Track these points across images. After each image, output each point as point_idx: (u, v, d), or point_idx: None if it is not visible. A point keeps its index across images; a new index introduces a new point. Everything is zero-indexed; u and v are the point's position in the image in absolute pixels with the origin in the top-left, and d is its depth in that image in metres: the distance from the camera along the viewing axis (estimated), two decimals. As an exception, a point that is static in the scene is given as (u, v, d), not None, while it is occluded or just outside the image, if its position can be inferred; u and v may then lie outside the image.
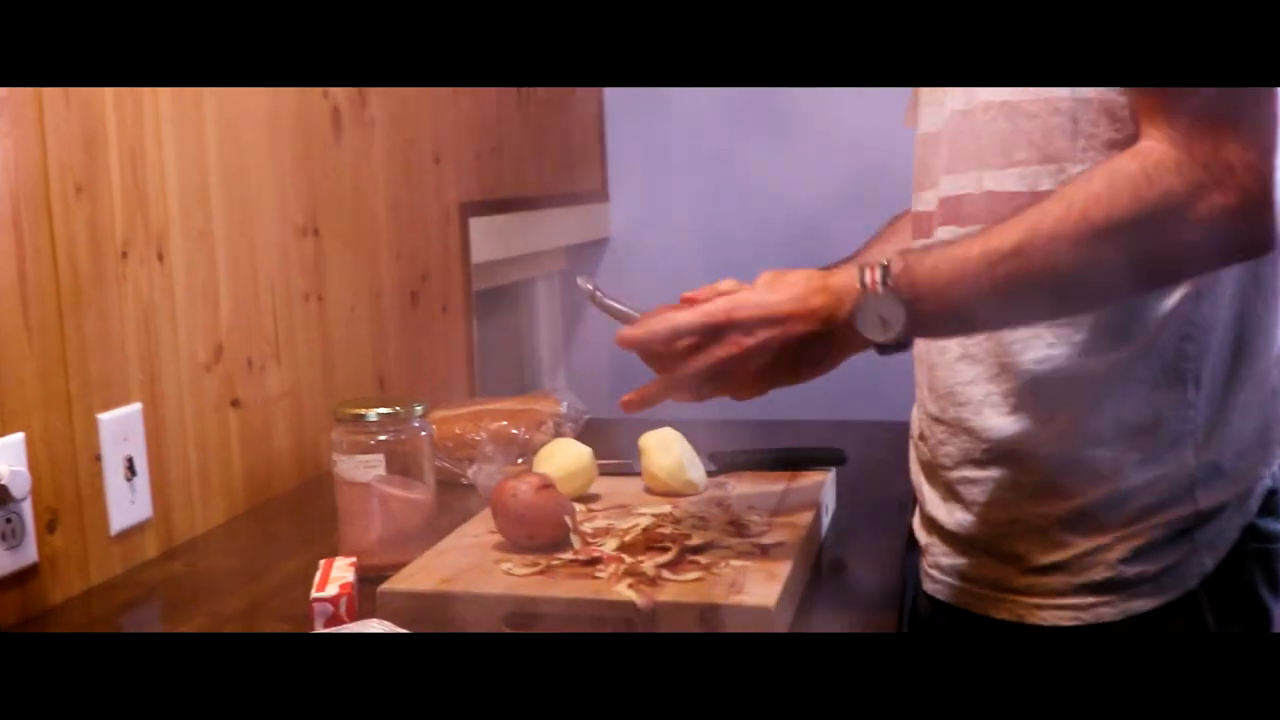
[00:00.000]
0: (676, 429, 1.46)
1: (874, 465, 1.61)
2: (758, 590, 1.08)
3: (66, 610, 1.25)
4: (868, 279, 1.03)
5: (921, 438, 1.25)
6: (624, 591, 1.09)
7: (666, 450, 1.41)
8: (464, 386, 2.32)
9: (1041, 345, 1.12)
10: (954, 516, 1.20)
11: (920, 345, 1.23)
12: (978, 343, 1.16)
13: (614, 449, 1.56)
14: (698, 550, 1.18)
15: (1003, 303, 1.02)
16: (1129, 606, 1.11)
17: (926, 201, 1.24)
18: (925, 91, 1.24)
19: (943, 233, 1.18)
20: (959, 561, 1.20)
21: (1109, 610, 1.11)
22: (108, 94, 1.34)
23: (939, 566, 1.23)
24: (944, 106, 1.20)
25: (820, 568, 1.28)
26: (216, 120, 1.53)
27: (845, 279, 1.06)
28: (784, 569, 1.13)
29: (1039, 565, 1.14)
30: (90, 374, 1.31)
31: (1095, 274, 0.99)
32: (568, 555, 1.19)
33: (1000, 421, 1.15)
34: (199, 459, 1.50)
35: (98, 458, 1.32)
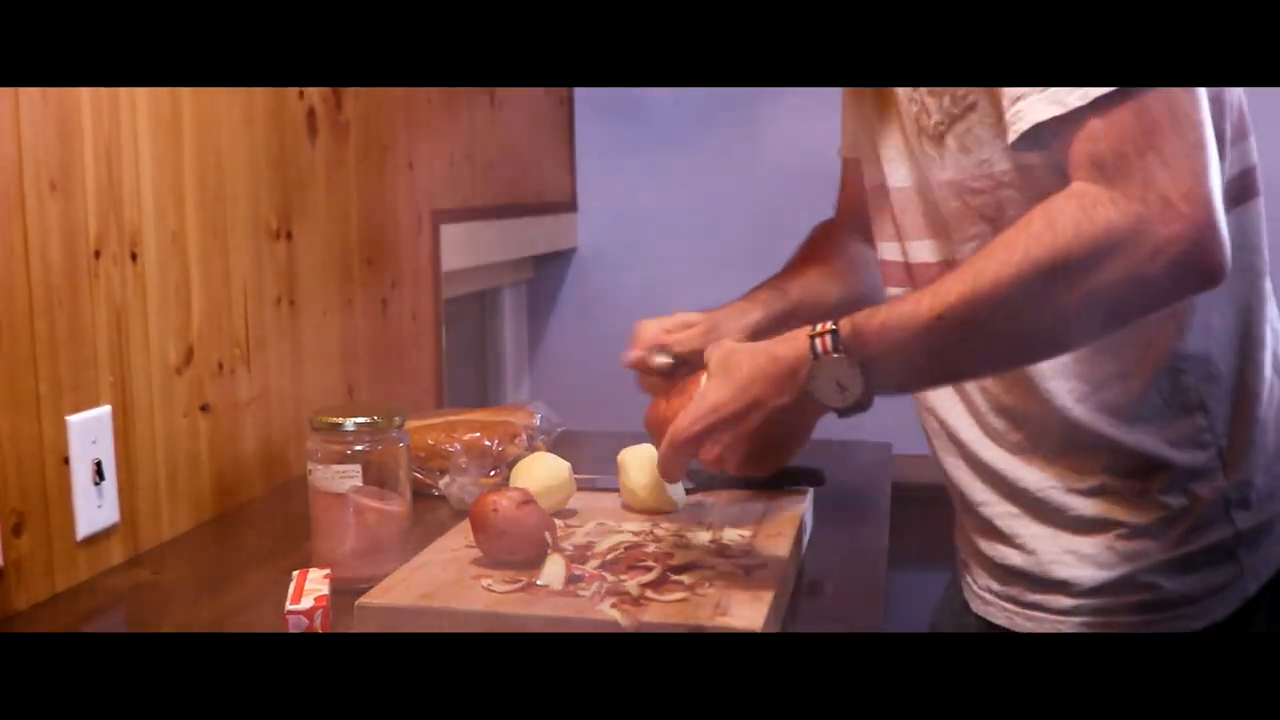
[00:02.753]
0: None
1: (850, 486, 1.60)
2: (743, 613, 1.07)
3: (31, 616, 1.22)
4: (819, 346, 1.01)
5: (960, 480, 1.27)
6: (608, 611, 1.07)
7: (646, 467, 1.39)
8: (432, 396, 2.30)
9: (1060, 391, 1.15)
10: (997, 549, 1.23)
11: (945, 403, 1.25)
12: (997, 395, 1.19)
13: (586, 463, 1.54)
14: (681, 570, 1.17)
15: (957, 355, 1.01)
16: (1176, 626, 1.14)
17: (891, 252, 1.28)
18: (888, 145, 1.24)
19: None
20: (1008, 589, 1.23)
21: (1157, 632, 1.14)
22: (84, 90, 1.31)
23: (990, 590, 1.26)
24: (902, 170, 1.22)
25: (800, 590, 1.27)
26: (192, 119, 1.50)
27: (794, 349, 1.03)
28: (768, 591, 1.12)
29: (1086, 588, 1.16)
30: (60, 374, 1.28)
31: (1046, 315, 0.97)
32: (548, 572, 1.17)
33: (1021, 466, 1.19)
34: (167, 464, 1.47)
35: (66, 460, 1.29)
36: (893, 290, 1.28)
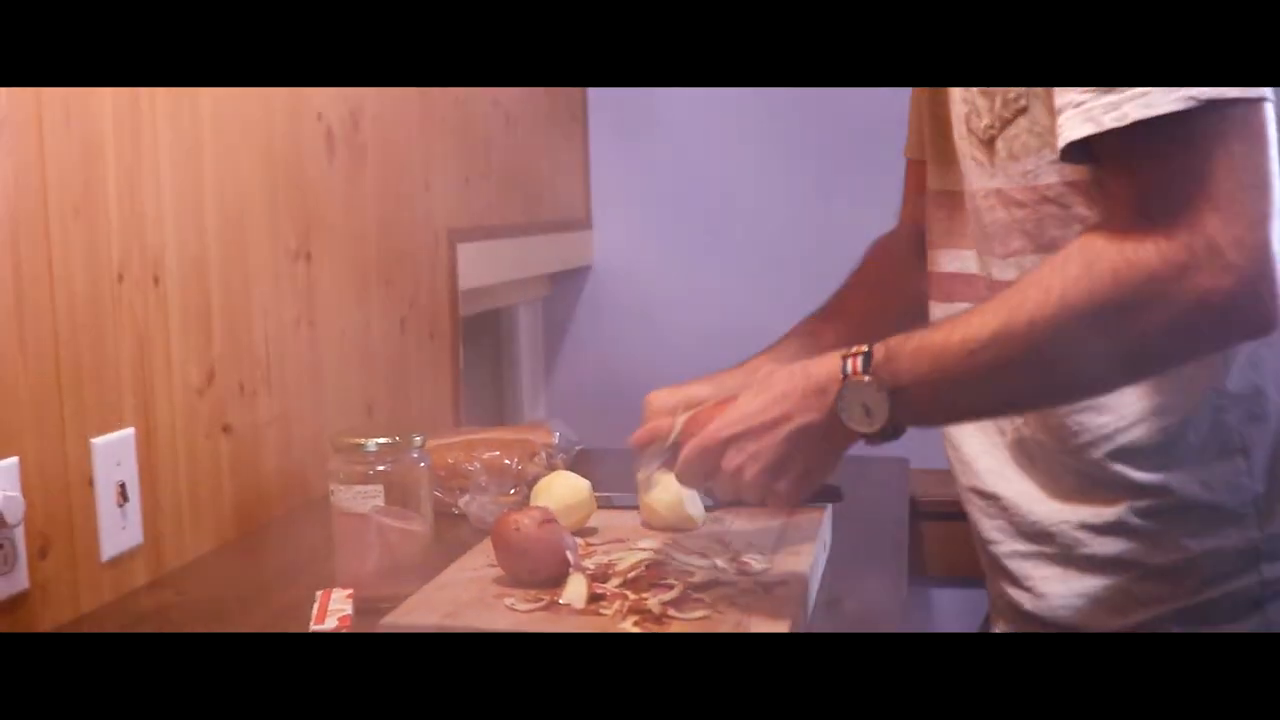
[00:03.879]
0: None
1: (869, 503, 1.60)
2: (764, 629, 1.08)
3: (57, 638, 1.23)
4: (849, 367, 0.99)
5: (973, 516, 1.23)
6: (630, 629, 1.08)
7: (666, 485, 1.40)
8: (450, 414, 2.31)
9: (1091, 425, 1.08)
10: (1008, 591, 1.18)
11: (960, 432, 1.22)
12: (1017, 427, 1.14)
13: (606, 481, 1.55)
14: (702, 588, 1.17)
15: (985, 391, 0.99)
16: None
17: (940, 263, 1.23)
18: (943, 149, 1.20)
19: (937, 311, 1.19)
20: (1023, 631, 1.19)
21: None
22: (107, 116, 1.32)
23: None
24: (953, 176, 1.18)
25: (819, 606, 1.27)
26: (212, 143, 1.52)
27: (826, 368, 1.01)
28: (789, 608, 1.13)
29: (1099, 634, 1.11)
30: (84, 397, 1.30)
31: (1079, 360, 0.93)
32: (570, 591, 1.18)
33: (1033, 502, 1.14)
34: (190, 485, 1.48)
35: (90, 483, 1.30)
36: (932, 305, 1.24)
